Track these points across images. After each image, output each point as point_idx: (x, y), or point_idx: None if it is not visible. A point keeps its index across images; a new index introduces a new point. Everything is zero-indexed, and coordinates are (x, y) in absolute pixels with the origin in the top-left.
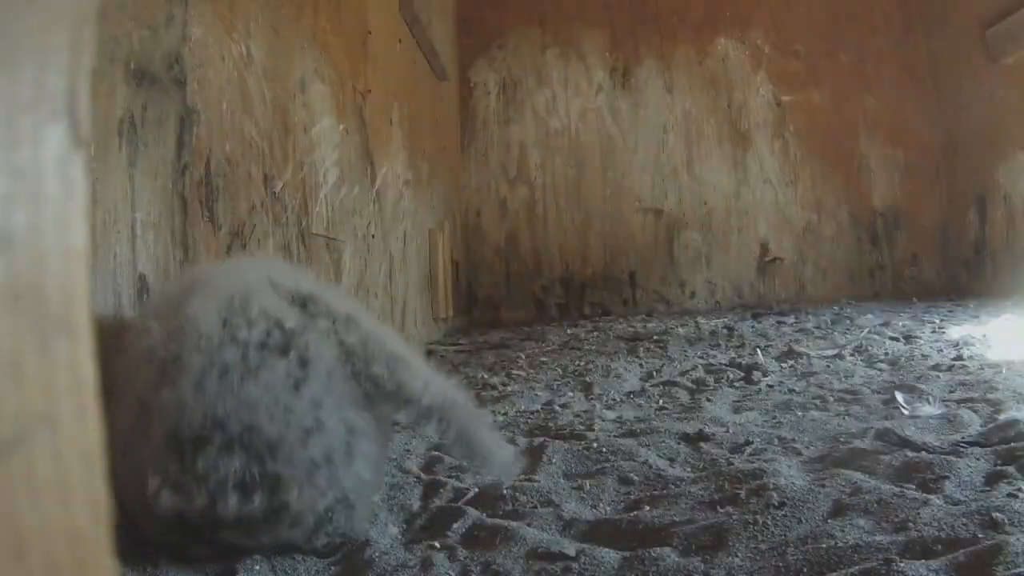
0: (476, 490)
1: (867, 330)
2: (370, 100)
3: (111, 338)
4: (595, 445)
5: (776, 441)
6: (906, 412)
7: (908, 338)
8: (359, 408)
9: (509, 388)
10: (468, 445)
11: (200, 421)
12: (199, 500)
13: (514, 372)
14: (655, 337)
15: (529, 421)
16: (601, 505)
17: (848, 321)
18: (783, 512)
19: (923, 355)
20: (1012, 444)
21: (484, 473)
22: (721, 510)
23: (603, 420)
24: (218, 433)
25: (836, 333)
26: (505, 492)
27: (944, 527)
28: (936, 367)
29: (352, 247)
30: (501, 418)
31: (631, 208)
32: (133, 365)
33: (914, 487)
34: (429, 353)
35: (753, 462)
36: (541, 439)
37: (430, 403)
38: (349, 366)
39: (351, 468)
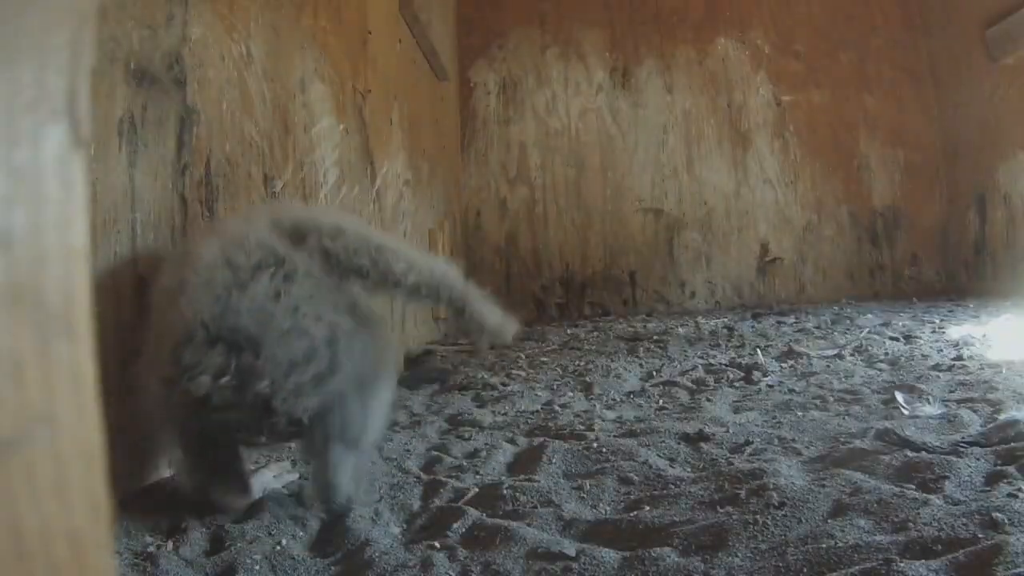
0: (476, 490)
1: (867, 330)
2: (370, 100)
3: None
4: (595, 445)
5: (776, 441)
6: (906, 412)
7: (908, 338)
8: (355, 318)
9: (509, 388)
10: (460, 313)
11: (190, 325)
12: (181, 384)
13: (514, 372)
14: (655, 337)
15: (529, 421)
16: (601, 505)
17: (848, 321)
18: (783, 512)
19: (923, 355)
20: (1012, 444)
21: (481, 339)
22: (721, 510)
23: (603, 420)
24: (202, 332)
25: (836, 333)
26: (505, 492)
27: (944, 527)
28: (936, 367)
29: None
30: (501, 418)
31: (631, 208)
32: (154, 301)
33: (914, 487)
34: (429, 353)
35: (753, 462)
36: (541, 439)
37: (416, 280)
38: (337, 269)
39: (338, 372)
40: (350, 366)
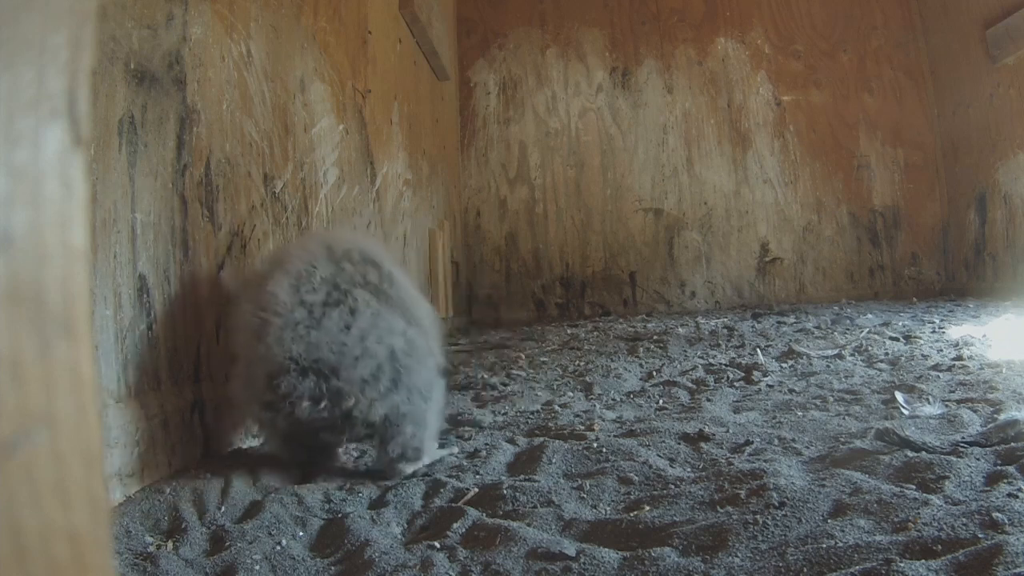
0: (476, 490)
1: (867, 330)
2: (370, 100)
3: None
4: (595, 445)
5: (776, 441)
6: (906, 412)
7: (908, 338)
8: (408, 337)
9: (509, 388)
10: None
11: (281, 360)
12: (284, 411)
13: (514, 372)
14: (655, 337)
15: (529, 421)
16: (601, 505)
17: (848, 321)
18: (783, 512)
19: (923, 355)
20: (1012, 444)
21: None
22: (721, 510)
23: (603, 420)
24: (293, 365)
25: (836, 333)
26: (505, 492)
27: (944, 527)
28: (936, 367)
29: None
30: (501, 418)
31: (631, 208)
32: (237, 336)
33: (914, 487)
34: None
35: (753, 462)
36: (541, 439)
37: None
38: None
39: (401, 383)
40: (408, 375)
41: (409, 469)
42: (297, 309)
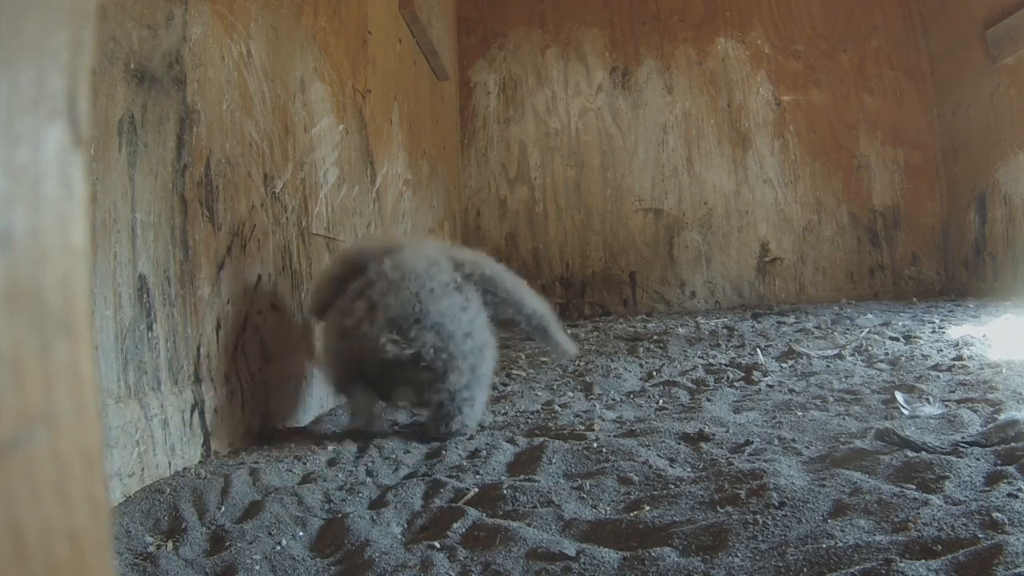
0: (476, 490)
1: (867, 330)
2: (370, 100)
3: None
4: (595, 445)
5: (776, 441)
6: (906, 412)
7: (908, 338)
8: (490, 335)
9: (509, 388)
10: (546, 338)
11: (415, 313)
12: (409, 350)
13: (514, 372)
14: (655, 337)
15: (529, 421)
16: (601, 505)
17: (848, 321)
18: (783, 512)
19: (923, 355)
20: (1012, 444)
21: (553, 356)
22: (721, 510)
23: (603, 420)
24: (424, 319)
25: (836, 333)
26: (505, 492)
27: (944, 527)
28: (936, 367)
29: None
30: (501, 418)
31: (631, 208)
32: (368, 280)
33: (914, 487)
34: None
35: (753, 462)
36: (541, 439)
37: (531, 310)
38: (488, 293)
39: (481, 367)
40: (484, 369)
41: (452, 437)
42: (430, 280)
